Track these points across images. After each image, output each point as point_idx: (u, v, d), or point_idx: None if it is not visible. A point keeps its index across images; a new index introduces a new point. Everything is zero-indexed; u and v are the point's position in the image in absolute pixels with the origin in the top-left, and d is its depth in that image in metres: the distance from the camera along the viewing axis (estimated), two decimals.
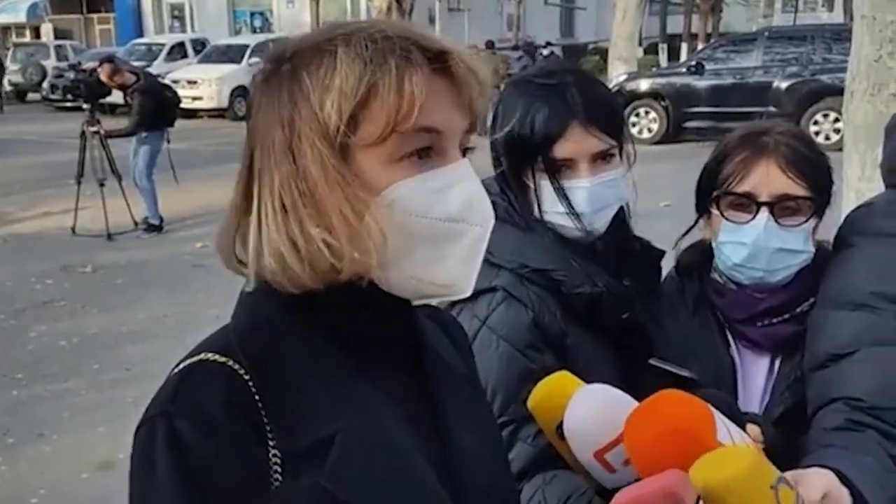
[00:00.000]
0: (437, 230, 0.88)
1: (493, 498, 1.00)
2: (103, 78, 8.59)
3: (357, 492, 0.85)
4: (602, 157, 1.44)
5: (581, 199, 1.43)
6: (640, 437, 1.06)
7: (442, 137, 0.88)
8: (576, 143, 1.42)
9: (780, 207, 1.46)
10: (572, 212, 1.43)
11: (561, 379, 1.24)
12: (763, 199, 1.46)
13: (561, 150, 1.42)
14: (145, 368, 5.31)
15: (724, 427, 1.07)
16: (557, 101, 1.42)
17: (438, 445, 0.95)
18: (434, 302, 0.98)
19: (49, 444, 4.51)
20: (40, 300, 6.94)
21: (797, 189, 1.46)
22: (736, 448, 1.02)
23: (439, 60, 0.87)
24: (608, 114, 1.46)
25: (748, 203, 1.47)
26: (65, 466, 4.28)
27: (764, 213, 1.46)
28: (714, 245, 1.55)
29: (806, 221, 1.47)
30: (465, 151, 0.92)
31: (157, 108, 8.68)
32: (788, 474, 1.13)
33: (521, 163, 1.46)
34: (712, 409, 1.09)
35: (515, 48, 20.46)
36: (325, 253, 0.86)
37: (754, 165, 1.47)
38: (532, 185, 1.46)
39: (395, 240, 0.86)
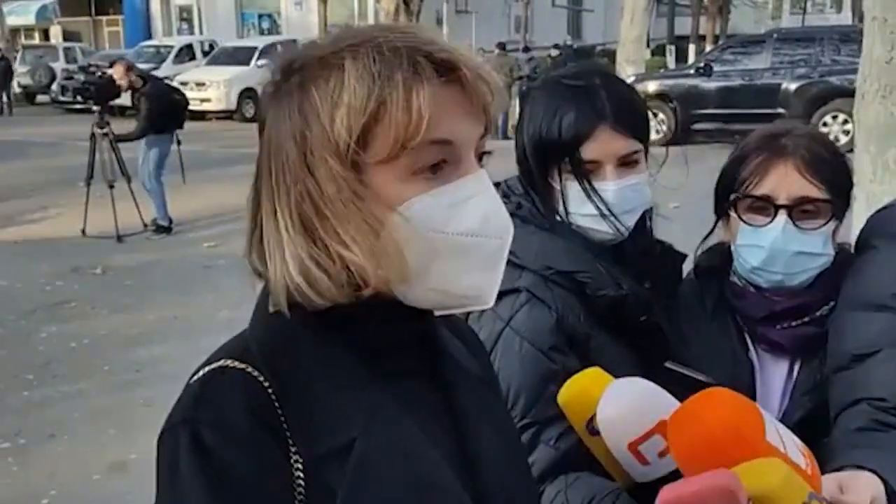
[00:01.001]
0: (455, 244, 0.88)
1: (514, 499, 1.00)
2: (118, 75, 8.74)
3: (379, 496, 0.86)
4: (628, 161, 1.44)
5: (607, 200, 1.42)
6: (686, 434, 1.04)
7: (455, 147, 0.88)
8: (603, 144, 1.41)
9: (799, 210, 1.45)
10: (602, 212, 1.43)
11: (593, 375, 1.24)
12: (781, 201, 1.45)
13: (588, 151, 1.42)
14: (156, 370, 5.33)
15: (773, 429, 1.06)
16: (585, 103, 1.42)
17: (458, 448, 0.95)
18: (458, 311, 0.98)
19: (60, 445, 4.52)
20: (51, 301, 6.96)
21: (816, 192, 1.45)
22: (771, 461, 1.00)
23: (448, 70, 0.86)
24: (635, 116, 1.46)
25: (766, 206, 1.47)
26: (76, 467, 4.28)
27: (782, 216, 1.45)
28: (733, 248, 1.54)
29: (825, 224, 1.47)
30: (481, 156, 0.91)
31: (166, 111, 8.74)
32: (831, 476, 1.12)
33: (547, 164, 1.46)
34: (761, 409, 1.08)
35: (526, 49, 20.43)
36: (348, 270, 0.86)
37: (772, 168, 1.47)
38: (558, 187, 1.46)
39: (413, 255, 0.86)
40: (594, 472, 1.34)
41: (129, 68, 8.91)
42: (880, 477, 1.17)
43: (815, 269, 1.48)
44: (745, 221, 1.49)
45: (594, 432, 1.22)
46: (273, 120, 0.90)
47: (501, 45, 17.65)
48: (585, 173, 1.43)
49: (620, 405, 1.16)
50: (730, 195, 1.52)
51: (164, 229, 9.08)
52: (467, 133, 0.89)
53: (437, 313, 0.95)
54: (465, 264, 0.89)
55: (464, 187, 0.88)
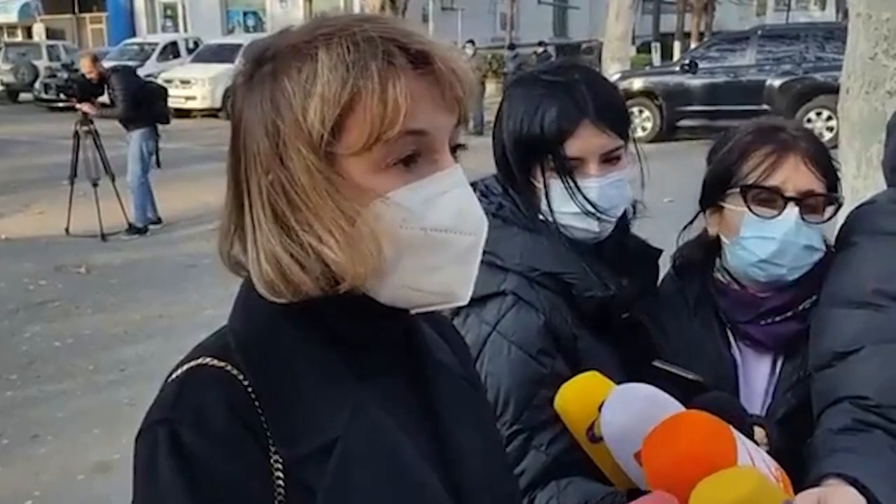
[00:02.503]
0: (429, 240, 0.87)
1: (495, 498, 0.99)
2: (85, 68, 8.76)
3: (360, 497, 0.85)
4: (610, 158, 1.42)
5: (591, 198, 1.40)
6: (658, 458, 1.04)
7: (429, 139, 0.86)
8: (586, 141, 1.39)
9: (805, 204, 1.45)
10: (587, 210, 1.40)
11: (591, 379, 1.22)
12: (789, 194, 1.45)
13: (571, 148, 1.39)
14: (140, 369, 5.30)
15: (745, 453, 1.06)
16: (567, 99, 1.40)
17: (438, 448, 0.95)
18: (432, 310, 0.97)
19: (44, 446, 4.49)
20: (34, 301, 6.92)
21: (820, 186, 1.46)
22: (742, 470, 1.00)
23: (422, 62, 0.85)
24: (617, 112, 1.44)
25: (774, 198, 1.46)
26: (60, 468, 4.26)
27: (794, 209, 1.44)
28: (727, 242, 1.53)
29: (826, 219, 1.47)
30: (455, 148, 0.90)
31: (141, 99, 8.65)
32: (811, 492, 1.12)
33: (528, 162, 1.43)
34: (735, 431, 1.07)
35: (511, 47, 20.49)
36: (322, 263, 0.85)
37: (782, 161, 1.46)
38: (540, 185, 1.43)
39: (385, 250, 0.85)
40: (587, 476, 1.32)
41: (96, 59, 8.96)
42: (862, 485, 1.16)
43: (811, 264, 1.48)
44: (754, 213, 1.47)
45: (595, 439, 1.20)
46: (244, 109, 0.88)
47: (470, 42, 17.74)
48: (569, 170, 1.40)
49: (626, 416, 1.13)
50: (725, 188, 1.51)
51: (137, 230, 8.98)
52: (441, 124, 0.87)
53: (413, 311, 0.94)
54: (438, 260, 0.88)
55: (438, 182, 0.87)
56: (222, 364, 0.87)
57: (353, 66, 0.83)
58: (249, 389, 0.86)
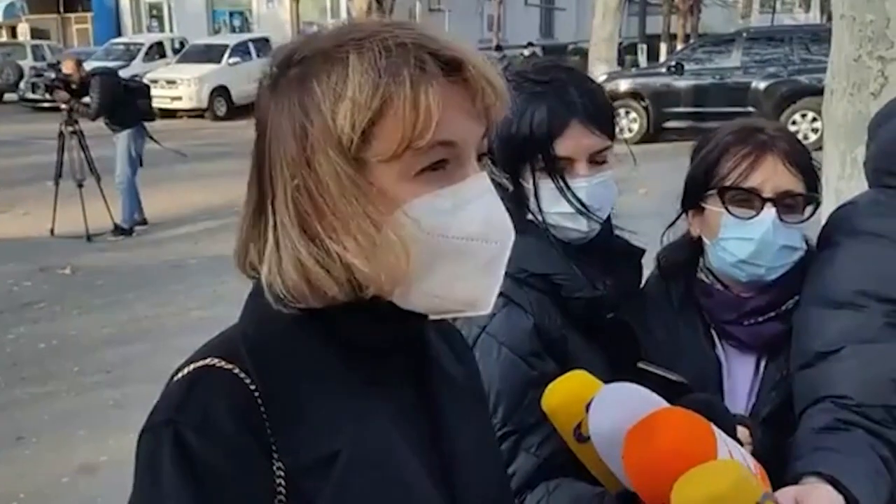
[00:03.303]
0: (456, 248, 0.86)
1: None
2: (68, 70, 8.75)
3: None
4: (597, 159, 1.42)
5: (581, 198, 1.40)
6: (638, 454, 1.05)
7: (458, 148, 0.86)
8: (576, 141, 1.40)
9: (782, 204, 1.46)
10: (580, 210, 1.40)
11: (578, 379, 1.22)
12: (767, 194, 1.46)
13: (561, 148, 1.40)
14: (126, 370, 5.27)
15: (725, 449, 1.06)
16: (556, 99, 1.40)
17: (438, 457, 0.95)
18: (453, 316, 0.97)
19: (28, 448, 4.47)
20: (19, 302, 6.88)
21: (799, 186, 1.47)
22: (721, 463, 1.01)
23: (454, 70, 0.85)
24: (605, 112, 1.44)
25: (751, 199, 1.47)
26: (45, 470, 4.24)
27: (771, 210, 1.45)
28: (708, 242, 1.54)
29: (806, 219, 1.48)
30: (481, 156, 0.90)
31: (120, 100, 8.62)
32: (788, 490, 1.13)
33: (517, 162, 1.43)
34: (714, 428, 1.08)
35: (498, 48, 20.51)
36: (347, 269, 0.84)
37: (760, 161, 1.47)
38: (528, 186, 1.43)
39: (413, 258, 0.84)
40: (578, 478, 1.31)
41: (80, 63, 8.99)
42: (841, 483, 1.17)
43: (791, 263, 1.49)
44: (732, 214, 1.48)
45: (582, 439, 1.20)
46: (270, 113, 0.87)
47: None
48: (559, 170, 1.40)
49: (613, 415, 1.12)
50: (705, 188, 1.52)
51: (122, 231, 8.91)
52: (470, 134, 0.87)
53: (431, 317, 0.94)
54: (463, 269, 0.87)
55: (465, 189, 0.87)
56: (230, 367, 0.86)
57: (384, 71, 0.82)
58: (256, 394, 0.85)
